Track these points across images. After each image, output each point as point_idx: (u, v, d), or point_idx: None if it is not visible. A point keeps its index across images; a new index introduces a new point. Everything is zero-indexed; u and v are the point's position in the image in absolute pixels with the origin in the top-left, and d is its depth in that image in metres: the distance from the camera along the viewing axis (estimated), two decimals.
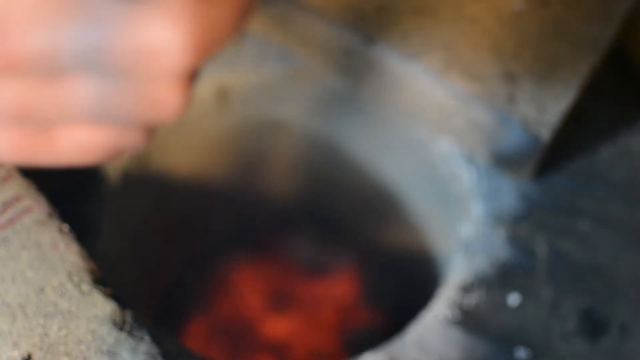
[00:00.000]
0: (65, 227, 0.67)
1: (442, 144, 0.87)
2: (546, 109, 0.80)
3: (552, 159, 0.85)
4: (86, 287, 0.63)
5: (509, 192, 0.84)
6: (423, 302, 0.84)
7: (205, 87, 0.92)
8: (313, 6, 0.86)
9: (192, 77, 0.31)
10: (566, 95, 0.81)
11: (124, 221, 0.90)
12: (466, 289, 0.78)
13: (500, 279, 0.79)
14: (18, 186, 0.68)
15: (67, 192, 0.81)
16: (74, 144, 0.33)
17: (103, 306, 0.62)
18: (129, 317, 0.63)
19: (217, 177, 1.06)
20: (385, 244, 1.11)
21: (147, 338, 0.63)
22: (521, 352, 0.75)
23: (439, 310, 0.77)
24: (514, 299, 0.78)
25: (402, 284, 1.11)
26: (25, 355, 0.59)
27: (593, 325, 0.76)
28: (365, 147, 1.00)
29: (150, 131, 0.34)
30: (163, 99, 0.30)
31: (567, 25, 0.85)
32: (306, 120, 1.00)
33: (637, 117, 0.90)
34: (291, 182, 1.11)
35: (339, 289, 1.14)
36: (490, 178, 0.85)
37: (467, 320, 0.76)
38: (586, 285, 0.79)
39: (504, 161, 0.84)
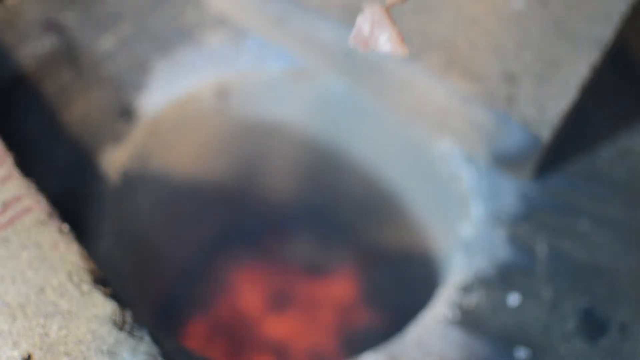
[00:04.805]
0: (65, 227, 0.67)
1: (442, 144, 0.87)
2: (546, 109, 0.80)
3: (552, 159, 0.85)
4: (86, 287, 0.63)
5: (509, 192, 0.84)
6: (423, 302, 0.84)
7: (205, 87, 0.92)
8: (313, 6, 0.86)
9: None
10: (566, 95, 0.81)
11: (124, 221, 0.90)
12: (466, 289, 0.78)
13: (500, 279, 0.79)
14: (18, 186, 0.68)
15: (67, 192, 0.81)
16: None
17: (103, 306, 0.62)
18: (129, 317, 0.63)
19: (217, 177, 1.06)
20: (385, 244, 1.11)
21: (147, 338, 0.63)
22: (521, 352, 0.75)
23: (439, 310, 0.77)
24: (514, 299, 0.78)
25: (402, 284, 1.11)
26: (25, 355, 0.59)
27: (593, 325, 0.76)
28: (365, 147, 1.00)
29: None
30: None
31: (567, 25, 0.85)
32: (306, 120, 1.00)
33: (637, 117, 0.90)
34: (291, 182, 1.11)
35: (338, 289, 1.14)
36: (490, 178, 0.85)
37: (467, 320, 0.76)
38: (586, 285, 0.79)
39: (504, 161, 0.84)
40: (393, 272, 1.12)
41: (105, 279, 0.65)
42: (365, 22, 0.45)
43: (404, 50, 0.44)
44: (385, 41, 0.44)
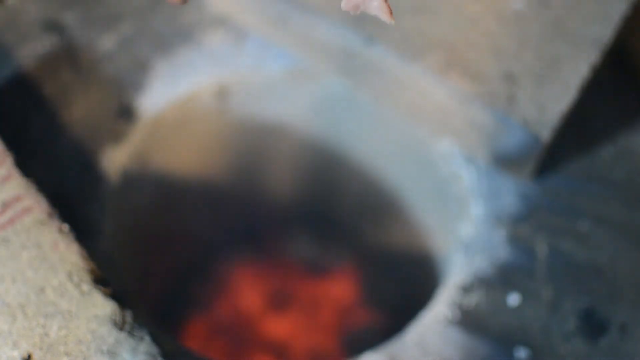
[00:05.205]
0: (65, 227, 0.67)
1: (442, 144, 0.87)
2: (546, 109, 0.80)
3: (552, 159, 0.85)
4: (86, 287, 0.63)
5: (509, 192, 0.84)
6: (423, 302, 0.84)
7: (205, 87, 0.92)
8: (313, 6, 0.86)
9: None
10: (566, 95, 0.81)
11: (124, 221, 0.90)
12: (466, 289, 0.78)
13: (500, 279, 0.79)
14: (18, 186, 0.68)
15: (67, 192, 0.81)
16: None
17: (103, 306, 0.62)
18: (129, 317, 0.63)
19: (217, 177, 1.06)
20: (385, 244, 1.11)
21: (147, 338, 0.63)
22: (521, 352, 0.75)
23: (439, 310, 0.77)
24: (514, 299, 0.78)
25: (402, 284, 1.11)
26: (25, 355, 0.59)
27: (593, 325, 0.76)
28: (365, 147, 1.00)
29: None
30: None
31: (567, 25, 0.85)
32: (306, 120, 1.00)
33: (637, 117, 0.90)
34: (291, 181, 1.12)
35: (338, 289, 1.14)
36: (490, 178, 0.85)
37: (467, 320, 0.76)
38: (586, 285, 0.79)
39: (504, 161, 0.84)
40: (393, 272, 1.12)
41: (105, 279, 0.65)
42: None
43: (391, 19, 0.45)
44: (375, 7, 0.46)
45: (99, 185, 0.84)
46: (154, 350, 0.62)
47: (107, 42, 0.91)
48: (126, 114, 0.88)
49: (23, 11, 0.91)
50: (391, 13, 0.45)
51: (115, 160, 0.85)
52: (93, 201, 0.82)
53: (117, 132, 0.87)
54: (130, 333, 0.62)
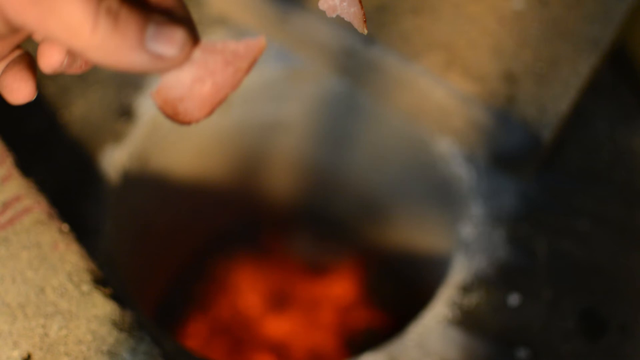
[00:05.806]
0: (65, 227, 0.67)
1: (442, 144, 0.87)
2: (546, 109, 0.80)
3: (552, 159, 0.85)
4: (86, 287, 0.63)
5: (509, 192, 0.84)
6: (423, 302, 0.84)
7: None
8: (313, 6, 0.86)
9: None
10: (566, 95, 0.81)
11: (124, 221, 0.90)
12: (466, 289, 0.78)
13: (500, 279, 0.79)
14: (18, 186, 0.68)
15: (67, 192, 0.81)
16: None
17: (103, 306, 0.62)
18: (129, 317, 0.63)
19: (217, 177, 1.06)
20: (385, 244, 1.11)
21: (147, 338, 0.63)
22: (521, 352, 0.75)
23: (439, 310, 0.77)
24: (514, 299, 0.78)
25: (402, 284, 1.11)
26: (25, 355, 0.59)
27: (593, 325, 0.76)
28: (365, 147, 1.00)
29: None
30: None
31: (567, 25, 0.85)
32: (306, 120, 1.00)
33: (637, 117, 0.90)
34: (291, 182, 1.11)
35: (338, 288, 1.14)
36: (490, 178, 0.85)
37: (467, 320, 0.76)
38: (586, 285, 0.79)
39: (504, 161, 0.84)
40: (393, 272, 1.12)
41: (105, 279, 0.65)
42: None
43: (364, 28, 0.45)
44: (352, 13, 0.46)
45: (99, 185, 0.84)
46: (154, 350, 0.62)
47: None
48: (126, 114, 0.88)
49: None
50: (365, 22, 0.45)
51: (115, 160, 0.85)
52: (93, 201, 0.82)
53: (117, 132, 0.87)
54: (130, 333, 0.62)
